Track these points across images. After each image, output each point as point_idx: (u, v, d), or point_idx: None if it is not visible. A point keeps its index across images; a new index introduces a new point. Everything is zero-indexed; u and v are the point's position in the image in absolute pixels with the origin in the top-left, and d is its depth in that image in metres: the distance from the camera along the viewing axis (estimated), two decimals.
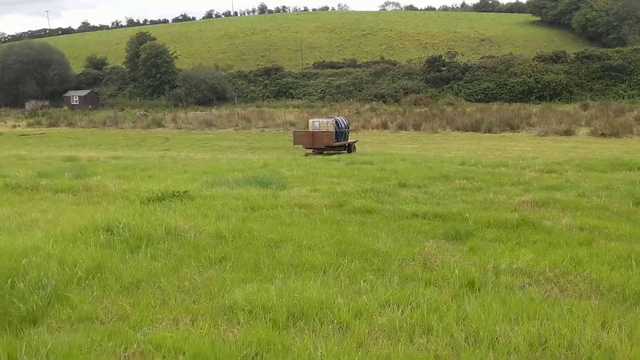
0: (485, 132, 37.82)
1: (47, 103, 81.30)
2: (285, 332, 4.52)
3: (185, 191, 9.91)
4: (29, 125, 57.51)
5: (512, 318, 4.66)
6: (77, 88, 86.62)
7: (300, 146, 29.13)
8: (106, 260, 5.92)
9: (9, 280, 5.05)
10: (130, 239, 6.76)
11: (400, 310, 4.90)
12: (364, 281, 5.67)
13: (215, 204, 9.08)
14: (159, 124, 52.08)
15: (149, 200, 9.42)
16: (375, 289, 5.47)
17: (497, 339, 4.31)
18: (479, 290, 5.37)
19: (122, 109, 71.30)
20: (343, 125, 28.66)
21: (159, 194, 9.69)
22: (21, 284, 5.01)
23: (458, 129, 39.70)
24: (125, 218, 7.54)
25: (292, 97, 76.65)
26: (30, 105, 78.39)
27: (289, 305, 4.92)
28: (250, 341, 4.25)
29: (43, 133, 50.35)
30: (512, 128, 38.58)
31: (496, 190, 11.20)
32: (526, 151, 25.93)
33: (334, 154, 26.12)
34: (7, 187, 11.59)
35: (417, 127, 41.27)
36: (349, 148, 28.50)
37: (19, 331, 4.21)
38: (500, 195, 10.55)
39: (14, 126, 57.64)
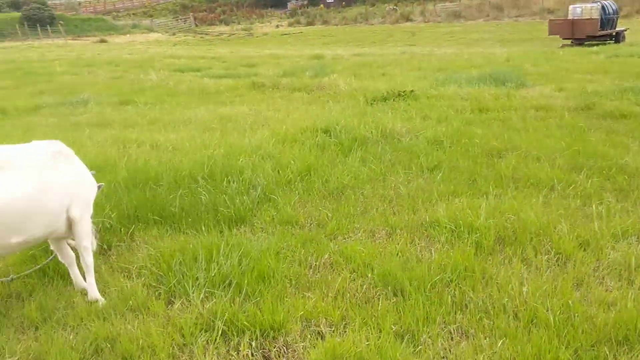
0: None
1: (305, 2, 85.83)
2: (489, 259, 3.97)
3: (412, 90, 9.45)
4: (289, 25, 61.85)
5: None
6: None
7: (557, 37, 25.87)
8: (317, 163, 5.91)
9: (226, 178, 5.34)
10: (344, 141, 6.65)
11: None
12: (599, 204, 4.69)
13: (440, 105, 8.47)
14: (407, 18, 51.40)
15: (374, 100, 9.22)
16: (612, 215, 4.50)
17: None
18: None
19: (373, 4, 71.71)
20: (611, 11, 24.45)
21: (385, 94, 9.42)
22: (235, 183, 5.26)
23: None
24: (344, 119, 7.46)
25: None
26: (291, 5, 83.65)
27: (499, 227, 4.31)
28: (446, 264, 3.82)
29: (301, 32, 53.69)
30: None
31: None
32: None
33: (596, 44, 22.60)
34: (254, 86, 12.49)
35: None
36: (617, 37, 24.39)
37: (224, 230, 4.42)
38: None
39: (277, 26, 62.52)
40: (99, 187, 3.95)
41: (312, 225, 4.69)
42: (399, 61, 18.38)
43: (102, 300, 3.53)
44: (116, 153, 6.65)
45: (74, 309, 3.48)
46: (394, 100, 9.08)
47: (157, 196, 4.97)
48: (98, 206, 4.61)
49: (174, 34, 57.64)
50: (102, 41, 47.80)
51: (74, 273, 3.70)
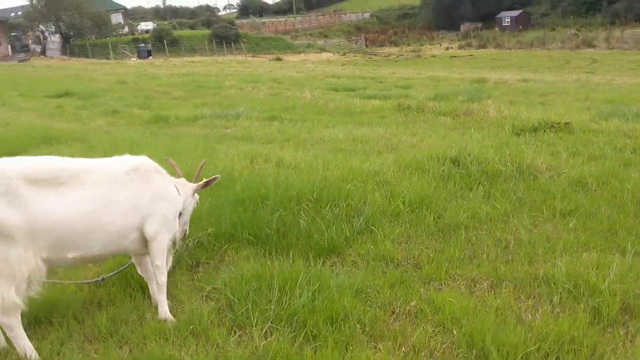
0: None
1: (479, 25, 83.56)
2: (606, 332, 3.26)
3: (567, 122, 8.45)
4: (459, 47, 60.64)
5: None
6: (510, 8, 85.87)
7: None
8: (433, 195, 5.42)
9: (330, 203, 5.10)
10: (472, 172, 6.06)
11: None
12: None
13: (596, 141, 7.44)
14: (589, 44, 47.61)
15: (521, 130, 8.41)
16: None
17: None
18: None
19: (553, 29, 67.56)
20: None
21: (535, 124, 8.55)
22: (337, 209, 5.00)
23: None
24: (479, 149, 6.84)
25: None
26: (464, 27, 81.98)
27: (629, 294, 3.54)
28: (550, 332, 3.18)
29: (471, 55, 52.29)
30: None
31: None
32: None
33: None
34: (399, 108, 12.18)
35: None
36: None
37: (310, 259, 4.17)
38: None
39: (447, 48, 61.64)
40: (214, 178, 3.90)
41: (408, 264, 4.26)
42: (566, 90, 16.85)
43: (171, 319, 3.46)
44: (240, 167, 6.75)
45: (142, 326, 3.45)
46: (544, 132, 8.19)
47: (257, 215, 4.88)
48: (197, 220, 4.66)
49: (344, 54, 59.52)
50: (278, 59, 50.83)
51: (152, 288, 3.68)
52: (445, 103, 12.37)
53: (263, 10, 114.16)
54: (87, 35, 62.92)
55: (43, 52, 57.38)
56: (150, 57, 52.84)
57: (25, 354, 2.94)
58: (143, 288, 3.89)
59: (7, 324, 2.89)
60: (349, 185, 5.53)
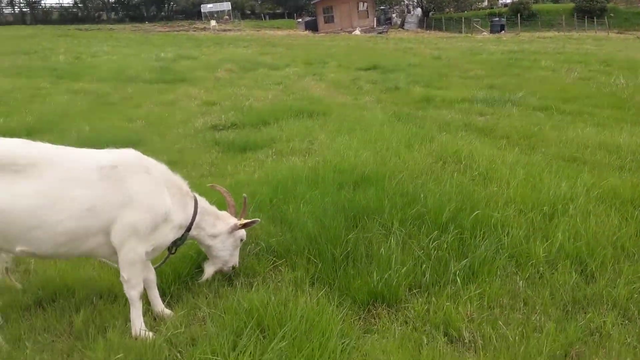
0: None
1: None
2: None
3: None
4: None
5: None
6: None
7: None
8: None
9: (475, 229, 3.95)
10: None
11: None
12: None
13: None
14: None
15: None
16: None
17: None
18: None
19: None
20: None
21: None
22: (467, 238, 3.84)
23: None
24: None
25: None
26: None
27: None
28: None
29: None
30: None
31: None
32: None
33: None
34: None
35: None
36: None
37: (361, 312, 3.27)
38: None
39: None
40: (253, 222, 3.53)
41: None
42: None
43: (145, 336, 3.06)
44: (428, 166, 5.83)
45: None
46: None
47: (333, 229, 4.05)
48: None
49: None
50: None
51: (151, 296, 3.38)
52: None
53: None
54: (445, 9, 64.56)
55: (402, 25, 61.28)
56: (503, 32, 51.13)
57: None
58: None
59: None
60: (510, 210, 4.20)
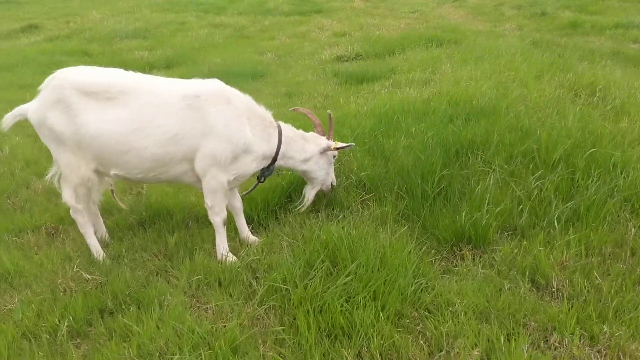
0: None
1: None
2: None
3: None
4: None
5: None
6: None
7: None
8: None
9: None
10: None
11: None
12: None
13: None
14: None
15: None
16: None
17: None
18: None
19: None
20: None
21: None
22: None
23: None
24: None
25: None
26: None
27: None
28: None
29: None
30: None
31: None
32: None
33: None
34: None
35: None
36: None
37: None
38: None
39: None
40: (348, 146, 3.50)
41: None
42: None
43: (230, 260, 3.20)
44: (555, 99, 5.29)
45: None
46: None
47: (429, 164, 3.82)
48: None
49: None
50: None
51: (236, 222, 3.50)
52: None
53: None
54: None
55: None
56: None
57: (92, 251, 3.34)
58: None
59: (76, 221, 3.31)
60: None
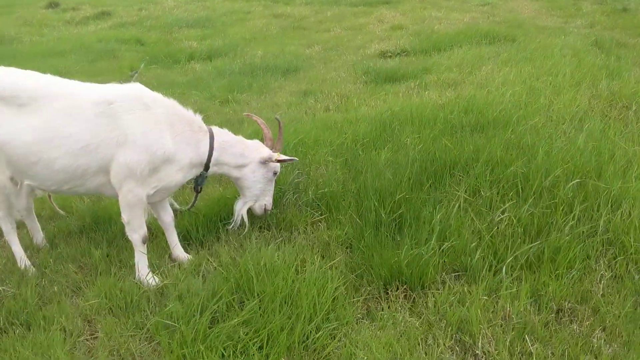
0: None
1: None
2: None
3: None
4: None
5: None
6: None
7: None
8: None
9: None
10: None
11: None
12: None
13: None
14: None
15: None
16: None
17: None
18: None
19: None
20: None
21: None
22: None
23: None
24: None
25: None
26: None
27: None
28: None
29: None
30: None
31: None
32: None
33: None
34: None
35: None
36: None
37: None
38: None
39: None
40: (290, 159, 3.23)
41: None
42: None
43: (148, 283, 2.95)
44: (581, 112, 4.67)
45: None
46: None
47: (394, 185, 3.42)
48: None
49: None
50: None
51: (169, 239, 3.25)
52: None
53: None
54: None
55: None
56: None
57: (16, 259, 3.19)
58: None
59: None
60: None
